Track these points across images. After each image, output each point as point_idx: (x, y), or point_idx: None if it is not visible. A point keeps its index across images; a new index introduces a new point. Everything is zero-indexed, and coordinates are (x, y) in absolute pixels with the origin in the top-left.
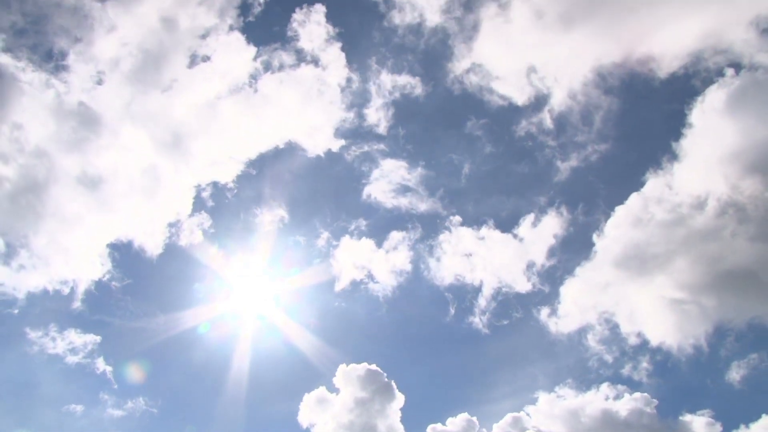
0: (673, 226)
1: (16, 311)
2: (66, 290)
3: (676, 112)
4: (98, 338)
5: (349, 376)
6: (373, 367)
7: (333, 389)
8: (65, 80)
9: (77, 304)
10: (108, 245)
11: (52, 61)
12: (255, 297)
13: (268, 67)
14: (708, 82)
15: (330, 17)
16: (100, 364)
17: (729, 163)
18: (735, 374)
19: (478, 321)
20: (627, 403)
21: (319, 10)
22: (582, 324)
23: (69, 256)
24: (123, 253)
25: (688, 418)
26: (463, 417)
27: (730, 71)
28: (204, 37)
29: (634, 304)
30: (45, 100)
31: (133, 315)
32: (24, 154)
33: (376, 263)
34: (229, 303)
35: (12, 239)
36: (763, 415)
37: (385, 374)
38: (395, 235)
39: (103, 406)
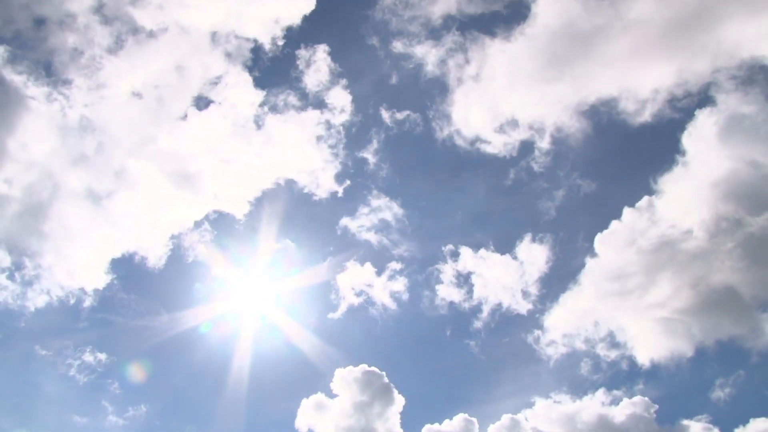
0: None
1: (22, 324)
2: (72, 300)
3: (657, 147)
4: (105, 356)
5: (348, 378)
6: (373, 369)
7: (332, 394)
8: (69, 97)
9: (83, 312)
10: (112, 259)
11: (57, 78)
12: (256, 297)
13: (273, 108)
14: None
15: (334, 57)
16: (107, 375)
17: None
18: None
19: (473, 343)
20: (626, 408)
21: (323, 49)
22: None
23: (74, 268)
24: (127, 264)
25: (685, 422)
26: (461, 417)
27: (702, 111)
28: (214, 83)
29: (624, 321)
30: (52, 116)
31: (137, 313)
32: (30, 168)
33: (378, 285)
34: (230, 303)
35: (18, 254)
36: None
37: (385, 374)
38: (394, 264)
39: (104, 413)
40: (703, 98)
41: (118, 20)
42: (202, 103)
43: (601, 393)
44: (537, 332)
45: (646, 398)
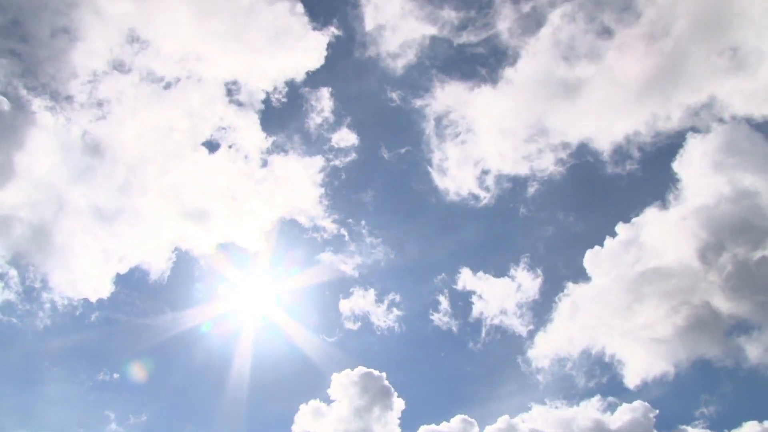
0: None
1: (29, 339)
2: (78, 310)
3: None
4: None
5: (348, 381)
6: (371, 371)
7: (329, 400)
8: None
9: (88, 317)
10: (117, 274)
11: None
12: (258, 297)
13: (278, 149)
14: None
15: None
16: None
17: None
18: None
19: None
20: (625, 413)
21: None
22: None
23: (79, 280)
24: (131, 275)
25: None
26: (459, 419)
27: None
28: (224, 129)
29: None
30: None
31: (141, 311)
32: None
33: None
34: (231, 303)
35: (24, 268)
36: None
37: (384, 375)
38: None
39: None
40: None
41: (137, 70)
42: (211, 145)
43: (597, 399)
44: (529, 350)
45: (646, 403)
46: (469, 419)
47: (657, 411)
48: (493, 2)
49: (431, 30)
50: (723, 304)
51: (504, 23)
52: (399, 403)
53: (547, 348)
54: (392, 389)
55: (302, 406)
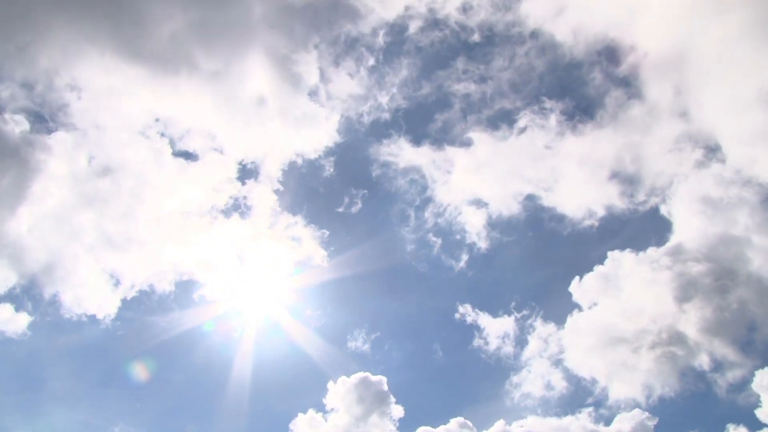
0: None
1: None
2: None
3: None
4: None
5: (344, 389)
6: (367, 374)
7: (325, 410)
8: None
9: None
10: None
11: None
12: (259, 298)
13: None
14: None
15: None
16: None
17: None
18: None
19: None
20: (623, 422)
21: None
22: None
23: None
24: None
25: None
26: (456, 422)
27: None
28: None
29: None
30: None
31: (149, 309)
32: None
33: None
34: (232, 303)
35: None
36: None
37: (385, 379)
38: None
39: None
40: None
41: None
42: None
43: (593, 408)
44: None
45: (646, 413)
46: (467, 423)
47: (657, 419)
48: None
49: None
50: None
51: None
52: (397, 410)
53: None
54: (391, 395)
55: (300, 415)
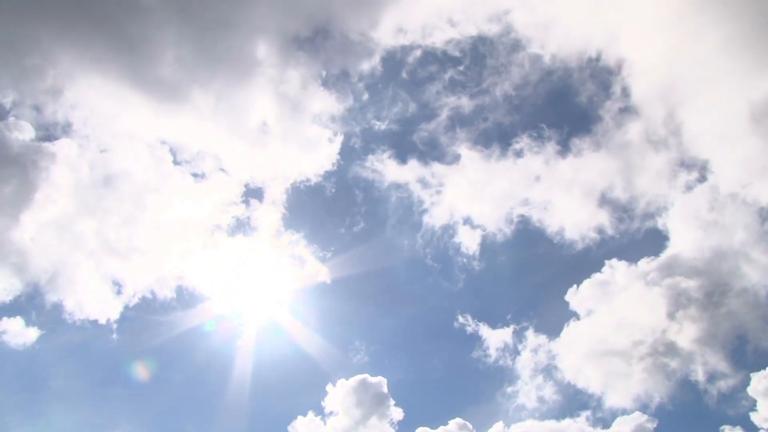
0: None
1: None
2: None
3: None
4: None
5: (343, 391)
6: (366, 376)
7: (324, 413)
8: None
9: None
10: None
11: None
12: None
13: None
14: None
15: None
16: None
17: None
18: None
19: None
20: (623, 424)
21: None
22: None
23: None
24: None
25: None
26: (455, 423)
27: None
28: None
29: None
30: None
31: (152, 309)
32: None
33: None
34: (233, 308)
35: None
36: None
37: (386, 380)
38: None
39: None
40: None
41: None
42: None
43: (591, 412)
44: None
45: (646, 416)
46: (467, 424)
47: (656, 422)
48: None
49: None
50: None
51: None
52: (397, 412)
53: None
54: (390, 397)
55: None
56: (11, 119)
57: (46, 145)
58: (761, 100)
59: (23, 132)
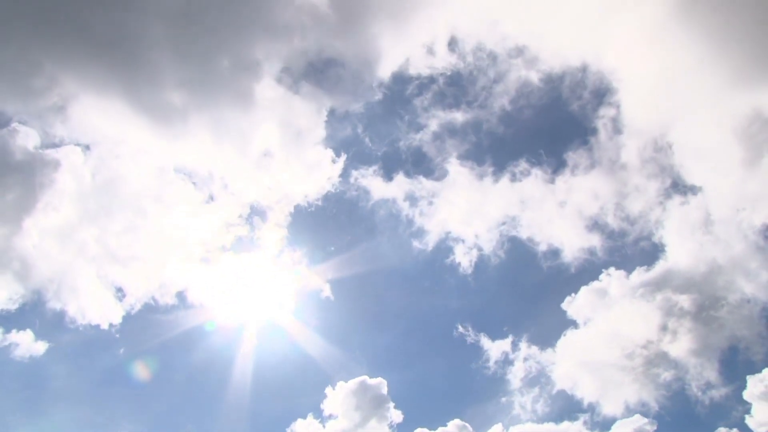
0: None
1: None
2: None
3: None
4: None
5: (343, 394)
6: (365, 377)
7: (323, 416)
8: None
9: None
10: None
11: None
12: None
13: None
14: None
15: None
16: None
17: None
18: None
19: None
20: (624, 426)
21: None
22: None
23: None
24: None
25: None
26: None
27: None
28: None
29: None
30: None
31: (154, 307)
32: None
33: None
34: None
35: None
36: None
37: (386, 382)
38: None
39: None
40: None
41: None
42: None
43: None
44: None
45: (646, 419)
46: (466, 426)
47: (656, 425)
48: None
49: None
50: None
51: None
52: (396, 415)
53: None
54: (390, 399)
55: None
56: (15, 125)
57: (50, 152)
58: (748, 113)
59: (28, 139)
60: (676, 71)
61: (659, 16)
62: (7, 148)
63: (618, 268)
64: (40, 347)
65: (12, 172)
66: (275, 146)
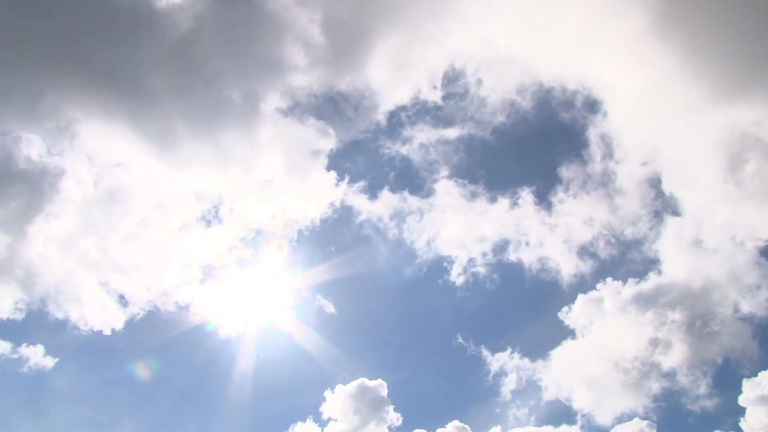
0: None
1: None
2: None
3: None
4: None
5: (342, 397)
6: (364, 379)
7: (328, 411)
8: None
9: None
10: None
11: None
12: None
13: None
14: None
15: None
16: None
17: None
18: None
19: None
20: (624, 430)
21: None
22: None
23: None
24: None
25: None
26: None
27: None
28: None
29: None
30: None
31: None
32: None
33: None
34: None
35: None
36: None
37: (386, 384)
38: None
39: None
40: None
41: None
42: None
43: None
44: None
45: (646, 421)
46: (465, 427)
47: (656, 427)
48: None
49: None
50: None
51: None
52: (395, 417)
53: None
54: (389, 402)
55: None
56: (19, 133)
57: (55, 159)
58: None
59: (32, 147)
60: (659, 85)
61: (637, 32)
62: (12, 157)
63: (617, 277)
64: (49, 362)
65: (16, 180)
66: (278, 172)
